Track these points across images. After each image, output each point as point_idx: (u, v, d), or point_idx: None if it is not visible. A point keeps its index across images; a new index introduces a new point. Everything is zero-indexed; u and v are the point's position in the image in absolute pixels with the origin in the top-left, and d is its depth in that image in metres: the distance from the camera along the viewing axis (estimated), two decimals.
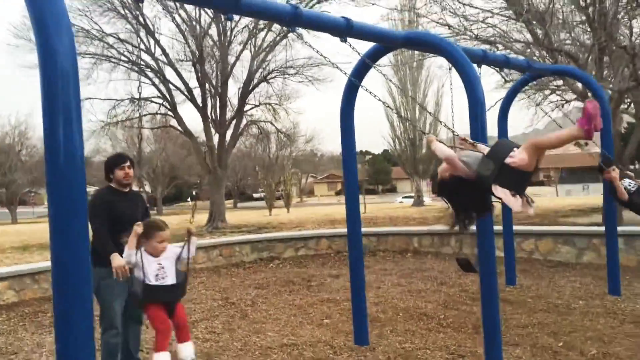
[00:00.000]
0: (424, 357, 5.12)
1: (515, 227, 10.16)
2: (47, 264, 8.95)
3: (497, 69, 6.69)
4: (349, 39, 4.64)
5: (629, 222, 14.08)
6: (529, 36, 14.50)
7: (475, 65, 6.02)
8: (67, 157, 2.21)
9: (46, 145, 2.22)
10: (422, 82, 39.79)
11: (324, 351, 5.42)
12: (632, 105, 17.93)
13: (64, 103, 2.19)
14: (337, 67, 4.68)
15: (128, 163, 4.91)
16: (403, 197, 56.89)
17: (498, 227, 8.35)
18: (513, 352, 5.16)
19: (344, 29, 4.46)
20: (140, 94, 22.37)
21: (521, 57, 8.92)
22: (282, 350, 5.51)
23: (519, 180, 3.59)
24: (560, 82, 16.69)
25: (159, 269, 3.84)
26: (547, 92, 20.58)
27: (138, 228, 3.87)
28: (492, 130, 8.18)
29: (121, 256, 4.13)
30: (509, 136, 7.59)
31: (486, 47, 14.26)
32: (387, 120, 41.50)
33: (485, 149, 3.85)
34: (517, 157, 3.52)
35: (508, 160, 3.52)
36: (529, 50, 14.32)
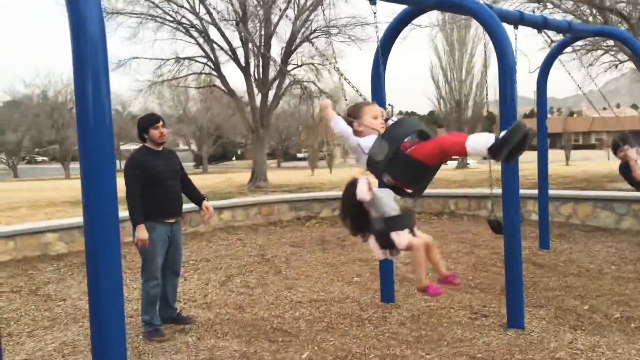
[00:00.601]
0: (447, 315, 5.26)
1: (554, 192, 10.12)
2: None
3: (536, 30, 6.59)
4: (379, 2, 4.67)
5: None
6: None
7: (512, 26, 5.98)
8: (96, 119, 2.40)
9: (77, 108, 2.41)
10: (470, 41, 38.70)
11: (351, 307, 5.62)
12: None
13: (93, 69, 2.37)
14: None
15: (162, 122, 5.12)
16: None
17: (534, 191, 8.35)
18: (537, 314, 5.24)
19: None
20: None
21: (561, 18, 8.66)
22: (311, 305, 5.74)
23: (390, 247, 3.25)
24: (612, 43, 16.10)
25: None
26: (599, 52, 19.86)
27: (326, 101, 3.39)
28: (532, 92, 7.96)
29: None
30: (560, 98, 7.36)
31: (534, 5, 13.87)
32: (433, 80, 40.75)
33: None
34: (399, 240, 3.18)
35: (393, 235, 3.17)
36: (579, 9, 13.85)
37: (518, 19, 5.93)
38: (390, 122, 3.22)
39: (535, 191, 8.64)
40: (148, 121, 5.08)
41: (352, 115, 3.23)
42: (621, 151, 6.37)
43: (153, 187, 4.89)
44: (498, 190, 7.21)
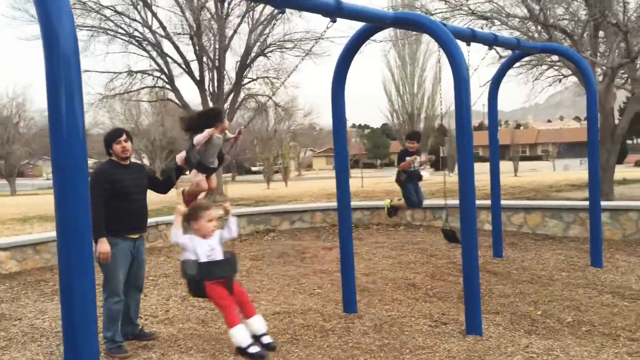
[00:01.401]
0: (408, 324, 5.38)
1: (505, 202, 10.46)
2: (48, 234, 9.20)
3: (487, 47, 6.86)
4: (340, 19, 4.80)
5: (619, 197, 14.38)
6: (525, 11, 14.55)
7: (464, 43, 6.22)
8: (70, 132, 2.42)
9: (50, 121, 2.42)
10: (421, 55, 39.61)
11: (314, 318, 5.69)
12: (629, 81, 18.07)
13: (67, 83, 2.39)
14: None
15: (124, 137, 5.08)
16: None
17: (487, 202, 8.64)
18: (493, 320, 5.43)
19: (334, 10, 4.61)
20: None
21: (511, 36, 9.04)
22: (274, 317, 5.77)
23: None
24: (556, 58, 16.80)
25: (211, 250, 4.00)
26: (544, 67, 20.65)
27: (181, 207, 4.10)
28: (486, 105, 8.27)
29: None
30: (507, 111, 7.78)
31: (482, 22, 14.36)
32: (385, 94, 41.46)
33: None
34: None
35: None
36: (525, 26, 14.41)
37: (470, 36, 6.18)
38: (231, 227, 4.26)
39: (487, 202, 8.93)
40: (110, 136, 5.06)
41: (193, 215, 4.11)
42: (411, 143, 7.87)
43: (118, 201, 4.85)
44: (452, 201, 7.46)
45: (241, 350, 3.85)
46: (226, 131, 4.93)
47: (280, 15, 4.36)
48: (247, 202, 20.48)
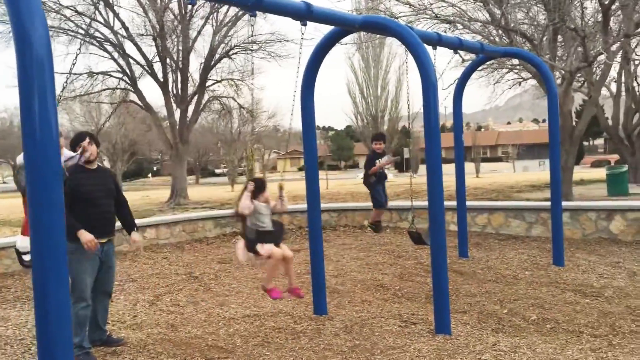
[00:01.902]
0: (378, 325, 5.44)
1: (469, 203, 10.64)
2: (7, 240, 8.96)
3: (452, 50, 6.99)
4: (310, 22, 4.82)
5: (578, 198, 14.80)
6: (487, 16, 14.85)
7: (430, 47, 6.32)
8: (43, 135, 2.38)
9: (23, 125, 2.38)
10: (385, 58, 40.02)
11: (284, 321, 5.69)
12: (586, 84, 18.61)
13: (40, 86, 2.35)
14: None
15: (87, 140, 4.99)
16: None
17: (452, 203, 8.77)
18: (461, 319, 5.52)
19: (304, 13, 4.64)
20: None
21: (475, 40, 9.24)
22: (244, 320, 5.76)
23: (254, 253, 4.91)
24: (516, 62, 17.20)
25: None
26: (505, 70, 21.12)
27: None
28: (450, 108, 8.42)
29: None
30: (469, 113, 7.92)
31: (445, 26, 14.58)
32: (350, 96, 41.73)
33: (284, 204, 5.16)
34: (263, 250, 4.85)
35: (258, 246, 4.85)
36: (486, 30, 14.71)
37: (437, 40, 6.29)
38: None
39: (452, 202, 9.05)
40: (75, 140, 4.97)
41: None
42: (378, 144, 7.99)
43: (84, 205, 4.76)
44: (418, 203, 7.55)
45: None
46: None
47: (251, 17, 4.35)
48: (212, 204, 20.33)
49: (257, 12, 4.52)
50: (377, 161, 7.85)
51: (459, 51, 7.48)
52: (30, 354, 4.92)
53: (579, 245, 8.97)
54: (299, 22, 4.78)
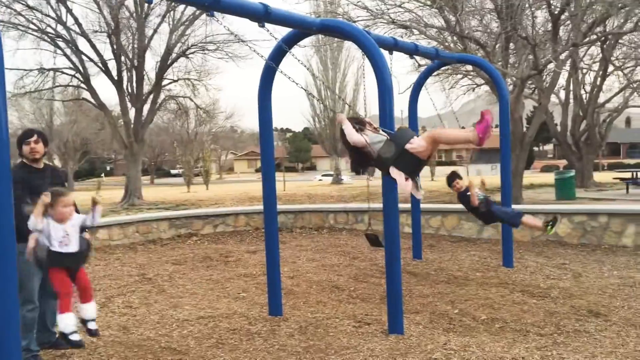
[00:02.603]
0: (333, 325, 5.48)
1: (423, 205, 10.85)
2: None
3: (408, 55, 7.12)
4: (268, 25, 4.84)
5: (527, 201, 15.23)
6: (442, 22, 15.14)
7: (387, 51, 6.42)
8: None
9: None
10: (343, 61, 40.22)
11: (239, 322, 5.68)
12: (536, 91, 19.18)
13: None
14: (257, 53, 4.88)
15: (34, 137, 4.85)
16: (322, 175, 57.77)
17: (407, 206, 8.92)
18: (414, 319, 5.62)
19: (262, 15, 4.65)
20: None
21: (430, 46, 9.42)
22: (198, 322, 5.72)
23: (414, 166, 4.10)
24: (470, 68, 17.59)
25: (64, 235, 4.11)
26: (459, 76, 21.58)
27: (46, 198, 4.07)
28: (406, 112, 8.59)
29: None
30: (424, 117, 8.05)
31: (402, 31, 14.81)
32: (307, 98, 41.73)
33: (385, 133, 4.36)
34: (417, 144, 3.99)
35: (408, 146, 3.98)
36: (442, 36, 15.00)
37: (392, 45, 6.39)
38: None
39: (407, 205, 9.21)
40: (20, 137, 4.83)
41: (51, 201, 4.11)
42: (457, 184, 7.23)
43: (30, 203, 4.63)
44: (374, 205, 7.65)
45: (64, 336, 4.11)
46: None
47: (209, 17, 4.34)
48: (167, 205, 20.03)
49: (215, 13, 4.51)
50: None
51: (415, 56, 7.62)
52: None
53: (528, 247, 9.25)
54: (257, 23, 4.80)
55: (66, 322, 4.05)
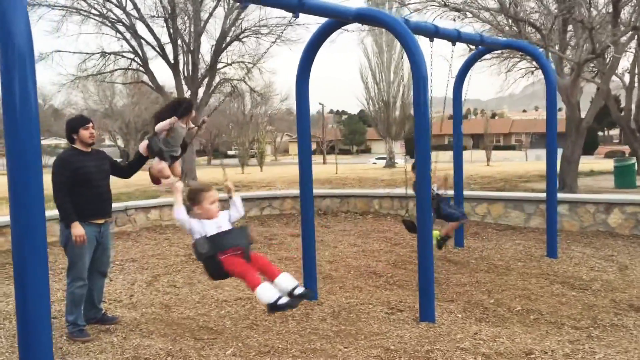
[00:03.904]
0: (365, 311, 5.57)
1: (469, 193, 10.77)
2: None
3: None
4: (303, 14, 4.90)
5: (583, 189, 14.79)
6: (497, 4, 14.76)
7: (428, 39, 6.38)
8: (22, 112, 2.54)
9: (4, 104, 2.53)
10: (397, 44, 39.72)
11: None
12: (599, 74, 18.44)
13: (20, 63, 2.48)
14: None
15: (91, 124, 5.17)
16: (376, 158, 57.56)
17: (450, 192, 8.84)
18: (447, 308, 5.64)
19: (296, 5, 4.71)
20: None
21: (474, 32, 9.23)
22: (236, 303, 5.93)
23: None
24: None
25: (217, 227, 3.97)
26: (516, 59, 21.01)
27: (179, 185, 4.11)
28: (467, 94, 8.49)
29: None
30: (484, 100, 7.72)
31: (455, 14, 14.53)
32: (362, 81, 41.58)
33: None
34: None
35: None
36: (496, 19, 14.63)
37: (433, 32, 6.33)
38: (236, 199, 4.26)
39: (451, 192, 9.12)
40: (78, 122, 5.10)
41: (194, 199, 4.04)
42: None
43: (82, 187, 4.92)
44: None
45: (271, 306, 3.75)
46: (190, 121, 5.03)
47: (242, 9, 4.44)
48: (219, 187, 20.49)
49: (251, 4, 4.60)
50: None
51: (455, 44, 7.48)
52: None
53: (576, 238, 9.02)
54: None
55: (264, 295, 3.75)
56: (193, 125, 5.15)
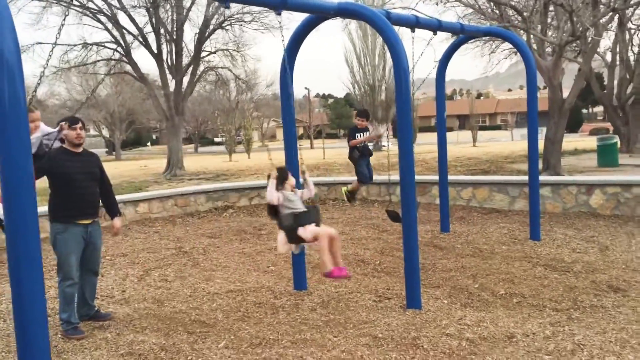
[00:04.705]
0: (354, 300, 5.71)
1: (454, 177, 10.92)
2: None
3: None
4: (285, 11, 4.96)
5: (568, 169, 15.02)
6: None
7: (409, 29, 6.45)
8: (11, 107, 2.62)
9: None
10: None
11: (265, 296, 5.97)
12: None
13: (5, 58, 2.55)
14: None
15: (80, 124, 5.20)
16: None
17: (434, 177, 8.99)
18: (434, 294, 5.80)
19: (279, 3, 4.77)
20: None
21: (455, 20, 9.30)
22: (227, 295, 6.04)
23: (298, 240, 4.80)
24: None
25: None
26: (499, 41, 21.13)
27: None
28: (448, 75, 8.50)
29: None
30: (469, 80, 7.85)
31: None
32: (347, 65, 41.50)
33: (311, 188, 5.06)
34: (306, 234, 4.68)
35: (300, 230, 4.68)
36: (477, 4, 14.71)
37: (414, 23, 6.41)
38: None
39: (436, 177, 9.27)
40: (66, 122, 5.14)
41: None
42: (361, 121, 8.08)
43: (68, 188, 4.98)
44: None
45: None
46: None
47: (225, 8, 4.49)
48: (207, 175, 20.54)
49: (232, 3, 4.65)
50: (357, 134, 7.99)
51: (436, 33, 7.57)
52: None
53: (559, 219, 9.21)
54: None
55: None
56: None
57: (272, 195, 4.75)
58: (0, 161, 2.75)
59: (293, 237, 4.76)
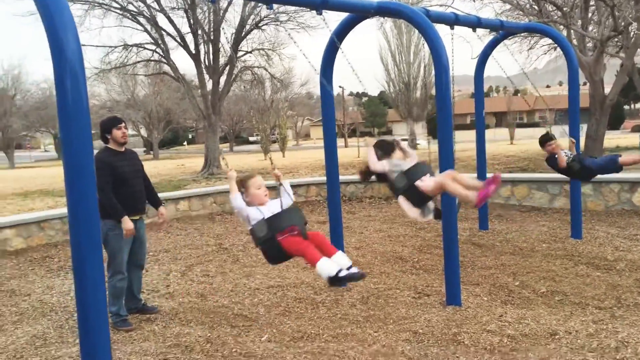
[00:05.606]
0: (393, 296, 5.76)
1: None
2: (51, 212, 9.54)
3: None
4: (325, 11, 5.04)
5: None
6: None
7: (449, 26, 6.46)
8: (77, 110, 2.78)
9: (58, 104, 2.80)
10: None
11: (305, 292, 6.07)
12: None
13: (71, 65, 2.70)
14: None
15: (124, 124, 5.41)
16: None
17: (472, 175, 8.94)
18: (473, 291, 5.80)
19: (319, 3, 4.85)
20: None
21: (500, 12, 9.24)
22: (268, 291, 6.16)
23: (420, 199, 4.46)
24: None
25: (271, 212, 3.96)
26: (538, 36, 20.78)
27: (232, 173, 4.13)
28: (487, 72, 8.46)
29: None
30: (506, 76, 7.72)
31: None
32: (382, 63, 41.36)
33: (413, 156, 4.74)
34: (426, 184, 4.38)
35: (418, 182, 4.39)
36: (516, 0, 14.53)
37: (453, 20, 6.41)
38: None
39: (473, 175, 9.22)
40: (111, 123, 5.35)
41: (241, 187, 4.15)
42: (549, 145, 7.04)
43: (118, 186, 5.18)
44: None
45: (332, 280, 3.72)
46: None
47: (268, 9, 4.59)
48: (243, 174, 20.73)
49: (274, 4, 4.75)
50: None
51: (476, 31, 7.54)
52: (74, 320, 5.40)
53: (601, 218, 9.07)
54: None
55: (325, 268, 3.69)
56: None
57: (375, 165, 4.62)
58: (64, 159, 2.89)
59: (415, 196, 4.41)
